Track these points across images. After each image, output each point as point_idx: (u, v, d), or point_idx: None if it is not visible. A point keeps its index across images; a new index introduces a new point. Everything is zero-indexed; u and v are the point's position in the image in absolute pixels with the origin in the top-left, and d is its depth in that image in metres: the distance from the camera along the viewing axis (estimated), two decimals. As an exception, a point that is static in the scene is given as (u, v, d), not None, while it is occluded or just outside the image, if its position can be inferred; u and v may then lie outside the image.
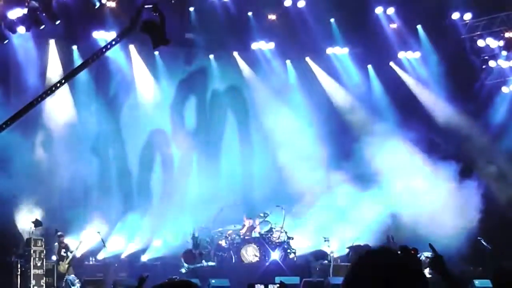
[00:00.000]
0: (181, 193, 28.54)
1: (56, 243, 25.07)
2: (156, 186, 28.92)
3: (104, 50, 16.02)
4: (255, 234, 26.59)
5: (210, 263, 25.62)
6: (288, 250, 25.98)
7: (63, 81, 15.18)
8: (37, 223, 24.84)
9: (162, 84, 29.22)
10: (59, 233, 25.14)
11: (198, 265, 25.43)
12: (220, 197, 27.74)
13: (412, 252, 4.47)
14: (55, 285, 24.47)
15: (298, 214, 28.00)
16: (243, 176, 29.30)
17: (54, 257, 25.13)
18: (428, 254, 23.76)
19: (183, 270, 25.27)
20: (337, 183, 27.99)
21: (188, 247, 25.95)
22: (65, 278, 24.44)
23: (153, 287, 3.93)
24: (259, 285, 21.06)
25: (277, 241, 26.11)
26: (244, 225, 26.83)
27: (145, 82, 28.99)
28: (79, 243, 25.28)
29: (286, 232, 26.33)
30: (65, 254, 24.96)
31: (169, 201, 28.08)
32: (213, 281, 23.04)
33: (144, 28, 14.63)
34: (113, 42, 15.67)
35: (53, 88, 14.81)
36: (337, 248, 25.76)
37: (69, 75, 15.58)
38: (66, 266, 24.86)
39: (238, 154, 29.66)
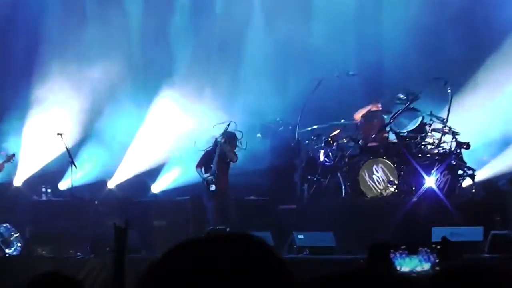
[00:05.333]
0: (231, 56, 18.42)
1: None
2: (180, 45, 18.77)
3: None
4: (389, 136, 16.49)
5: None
6: (459, 171, 15.59)
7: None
8: None
9: None
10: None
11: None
12: (313, 59, 17.74)
13: None
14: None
15: (476, 95, 17.28)
16: (360, 17, 18.48)
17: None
18: None
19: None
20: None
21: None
22: None
23: (171, 249, 2.63)
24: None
25: (434, 151, 15.85)
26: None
27: None
28: (8, 155, 16.69)
29: (454, 133, 15.63)
30: None
31: (206, 69, 18.11)
32: (300, 236, 14.74)
33: None
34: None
35: None
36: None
37: None
38: None
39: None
